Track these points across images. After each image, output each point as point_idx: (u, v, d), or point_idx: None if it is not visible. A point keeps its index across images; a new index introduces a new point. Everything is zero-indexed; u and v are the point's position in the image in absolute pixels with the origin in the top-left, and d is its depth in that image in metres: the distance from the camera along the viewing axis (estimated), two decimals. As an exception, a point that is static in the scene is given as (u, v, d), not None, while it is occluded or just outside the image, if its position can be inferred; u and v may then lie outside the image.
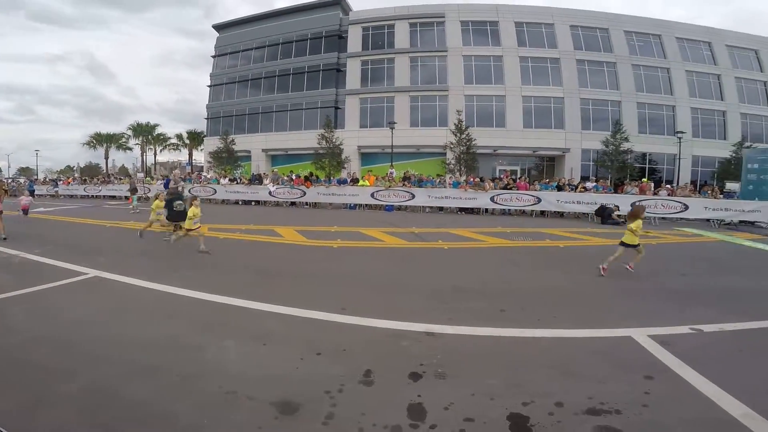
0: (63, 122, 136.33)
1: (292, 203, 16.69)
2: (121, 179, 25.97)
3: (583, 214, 13.59)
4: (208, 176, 23.79)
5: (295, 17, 32.99)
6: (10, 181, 39.78)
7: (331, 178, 18.68)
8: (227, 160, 29.48)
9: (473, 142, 24.07)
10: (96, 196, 22.48)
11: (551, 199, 13.97)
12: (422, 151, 27.61)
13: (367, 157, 29.21)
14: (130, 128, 44.81)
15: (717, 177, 25.26)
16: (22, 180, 38.61)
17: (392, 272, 5.75)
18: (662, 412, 2.27)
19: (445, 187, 15.72)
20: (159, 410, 2.33)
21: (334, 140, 26.20)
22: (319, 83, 31.39)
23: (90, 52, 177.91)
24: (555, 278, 5.56)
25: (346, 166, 26.46)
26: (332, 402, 2.41)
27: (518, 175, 23.79)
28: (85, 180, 28.63)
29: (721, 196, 14.81)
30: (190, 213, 7.06)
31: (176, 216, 9.42)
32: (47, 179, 35.18)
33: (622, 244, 5.61)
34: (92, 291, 4.80)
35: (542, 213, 14.24)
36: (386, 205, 15.09)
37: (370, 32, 30.36)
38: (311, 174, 20.11)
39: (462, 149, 24.12)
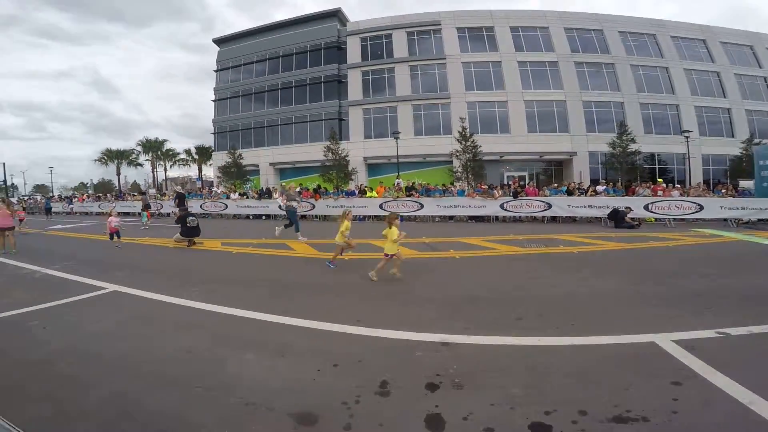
0: (73, 139, 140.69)
1: (302, 216, 16.77)
2: (134, 195, 26.39)
3: (596, 218, 13.44)
4: (218, 191, 24.10)
5: (293, 29, 33.57)
6: (27, 198, 40.80)
7: (339, 190, 18.75)
8: (236, 174, 29.83)
9: (479, 149, 24.06)
10: (109, 213, 22.81)
11: (562, 204, 13.85)
12: (428, 160, 27.65)
13: (374, 168, 29.39)
14: (139, 144, 45.65)
15: (730, 175, 24.87)
16: (38, 197, 39.53)
17: (405, 283, 5.72)
18: (694, 418, 2.22)
19: (453, 195, 15.66)
20: (180, 422, 2.35)
21: (339, 152, 26.39)
22: (321, 95, 31.78)
23: (94, 67, 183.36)
24: (571, 284, 5.47)
25: (353, 177, 26.59)
26: (350, 413, 2.41)
27: (526, 181, 23.70)
28: (98, 197, 29.20)
29: (736, 194, 14.54)
30: (342, 227, 6.67)
31: (190, 232, 9.63)
32: (62, 196, 35.93)
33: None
34: (111, 305, 4.89)
35: (554, 219, 14.11)
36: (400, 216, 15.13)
37: (369, 42, 30.75)
38: (319, 187, 20.24)
39: (468, 156, 24.10)
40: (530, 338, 3.51)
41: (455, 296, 4.97)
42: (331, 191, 19.42)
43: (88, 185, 60.21)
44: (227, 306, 4.60)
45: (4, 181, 43.69)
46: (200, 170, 47.36)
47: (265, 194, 19.42)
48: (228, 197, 20.44)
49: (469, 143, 24.08)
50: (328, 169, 26.34)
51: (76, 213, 25.46)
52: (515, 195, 14.62)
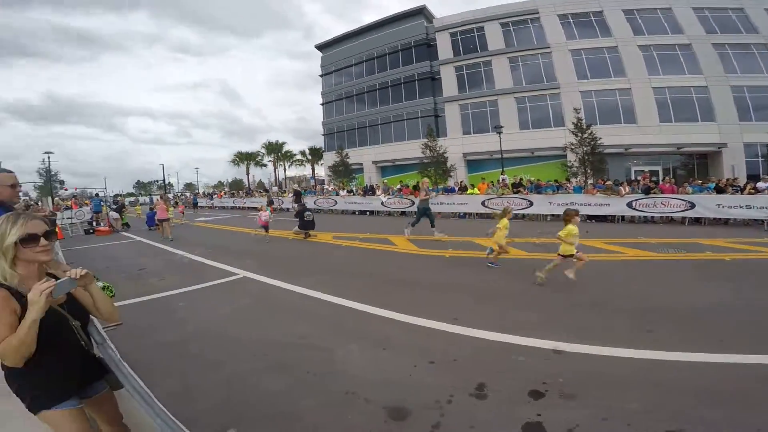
0: (212, 143, 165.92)
1: (402, 213, 17.19)
2: (260, 192, 30.35)
3: (756, 220, 10.88)
4: (329, 188, 26.20)
5: (383, 30, 34.27)
6: (179, 194, 50.08)
7: (437, 186, 18.60)
8: (343, 173, 31.88)
9: (599, 141, 21.46)
10: (241, 207, 26.66)
11: (709, 204, 11.52)
12: (537, 154, 25.72)
13: (474, 164, 28.50)
14: (263, 146, 52.32)
15: None
16: (187, 194, 48.25)
17: (510, 284, 5.46)
18: None
19: (568, 192, 14.20)
20: (286, 406, 2.59)
21: (437, 149, 26.24)
22: (416, 93, 31.94)
23: (223, 78, 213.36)
24: (720, 296, 4.61)
25: (452, 174, 26.21)
26: (441, 412, 2.41)
27: (660, 177, 20.34)
28: (233, 194, 34.34)
29: None
30: (501, 224, 6.38)
31: (307, 225, 10.67)
32: (205, 193, 43.15)
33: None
34: (242, 290, 5.66)
35: (697, 221, 11.85)
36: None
37: (459, 37, 29.82)
38: (418, 183, 20.40)
39: (586, 150, 21.68)
40: (660, 352, 3.09)
41: (571, 301, 4.58)
42: (430, 188, 19.44)
43: (224, 183, 71.04)
44: (336, 296, 4.98)
45: (163, 180, 54.28)
46: (313, 169, 52.15)
47: (369, 191, 20.41)
48: (337, 194, 22.02)
49: (586, 135, 21.64)
50: (426, 166, 26.40)
51: (215, 207, 30.28)
52: (647, 192, 12.64)
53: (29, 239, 1.41)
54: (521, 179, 17.39)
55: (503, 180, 16.80)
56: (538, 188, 15.00)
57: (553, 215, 13.78)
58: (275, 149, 51.71)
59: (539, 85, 26.52)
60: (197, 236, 12.36)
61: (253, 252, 8.88)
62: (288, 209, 21.72)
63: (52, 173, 41.59)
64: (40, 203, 21.60)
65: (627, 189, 13.09)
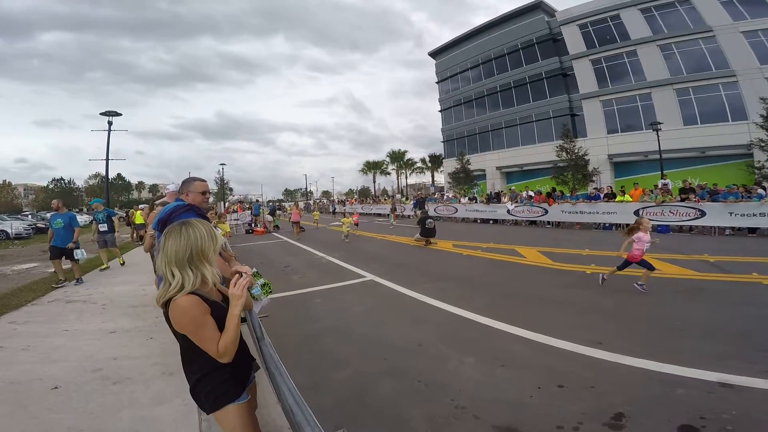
0: (343, 153, 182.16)
1: (532, 222, 15.82)
2: (385, 199, 32.16)
3: None
4: (450, 195, 26.06)
5: (498, 30, 32.59)
6: (318, 201, 56.63)
7: (576, 193, 16.45)
8: (464, 179, 31.31)
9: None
10: (368, 213, 28.58)
11: None
12: (709, 154, 20.92)
13: (622, 166, 24.79)
14: (388, 155, 55.40)
15: None
16: (325, 200, 54.17)
17: (672, 307, 4.54)
18: None
19: (758, 200, 10.90)
20: (397, 412, 2.57)
21: (575, 150, 23.61)
22: (546, 92, 29.54)
23: (350, 92, 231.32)
24: None
25: (594, 179, 23.12)
26: None
27: None
28: (362, 200, 37.22)
29: None
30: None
31: (428, 233, 10.75)
32: (339, 200, 47.82)
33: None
34: (369, 292, 5.98)
35: None
36: (659, 226, 11.91)
37: (590, 28, 26.42)
38: (554, 190, 18.54)
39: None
40: None
41: (752, 330, 3.67)
42: (567, 194, 17.38)
43: (354, 191, 77.56)
44: (455, 306, 4.85)
45: (306, 188, 62.06)
46: (433, 176, 52.90)
47: (494, 198, 19.44)
48: (458, 201, 21.66)
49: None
50: (562, 170, 23.92)
51: (347, 213, 33.21)
52: None
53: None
54: (690, 183, 14.16)
55: (665, 185, 13.92)
56: (713, 195, 11.96)
57: (734, 228, 10.83)
58: (398, 158, 54.18)
59: (707, 74, 21.68)
60: (332, 239, 13.62)
61: (378, 256, 9.36)
62: (409, 216, 22.34)
63: (225, 182, 51.71)
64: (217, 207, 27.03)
65: None
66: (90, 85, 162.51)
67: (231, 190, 58.78)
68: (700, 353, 3.20)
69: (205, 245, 1.43)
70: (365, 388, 2.94)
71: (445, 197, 25.36)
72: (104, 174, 22.36)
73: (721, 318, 4.08)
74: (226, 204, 33.60)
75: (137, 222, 11.25)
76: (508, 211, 16.62)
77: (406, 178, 56.46)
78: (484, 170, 32.72)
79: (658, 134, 18.87)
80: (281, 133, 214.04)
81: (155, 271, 4.06)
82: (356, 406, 2.70)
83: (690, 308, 4.49)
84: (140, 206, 12.24)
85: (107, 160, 20.50)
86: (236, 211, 21.78)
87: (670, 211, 11.83)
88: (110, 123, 19.81)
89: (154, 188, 79.21)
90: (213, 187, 53.56)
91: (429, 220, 10.94)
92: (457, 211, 20.13)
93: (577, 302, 4.95)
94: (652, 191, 13.50)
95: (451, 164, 34.44)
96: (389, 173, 56.62)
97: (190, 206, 2.52)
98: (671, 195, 12.73)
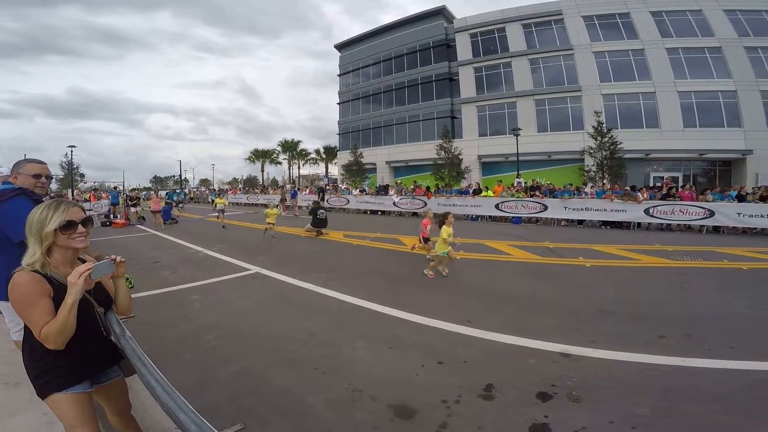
0: (228, 140, 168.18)
1: (414, 213, 17.15)
2: (274, 189, 30.71)
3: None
4: (342, 187, 26.31)
5: (402, 30, 34.26)
6: (195, 190, 51.07)
7: (449, 188, 18.46)
8: (357, 172, 31.99)
9: (619, 146, 21.04)
10: (255, 204, 26.98)
11: (729, 213, 11.19)
12: (554, 158, 25.35)
13: (489, 166, 28.25)
14: (279, 145, 52.89)
15: None
16: (203, 189, 49.09)
17: (522, 287, 5.41)
18: None
19: (583, 196, 13.92)
20: (293, 402, 2.60)
21: (452, 150, 26.07)
22: (433, 94, 31.82)
23: (241, 77, 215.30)
24: (735, 304, 4.54)
25: (466, 176, 26.04)
26: (448, 412, 2.40)
27: (680, 183, 19.84)
28: (247, 190, 34.78)
29: None
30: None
31: (319, 223, 10.75)
32: (221, 189, 43.84)
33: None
34: (255, 285, 5.71)
35: (716, 229, 11.53)
36: (513, 218, 14.25)
37: (479, 38, 29.54)
38: (438, 186, 20.34)
39: (604, 154, 21.28)
40: (671, 358, 3.09)
41: (582, 306, 4.53)
42: (443, 189, 19.36)
43: (239, 180, 72.08)
44: (345, 294, 5.02)
45: (180, 175, 55.40)
46: (327, 168, 52.43)
47: (382, 191, 20.43)
48: (350, 193, 22.11)
49: (606, 139, 21.25)
50: (440, 168, 26.28)
51: (229, 204, 30.74)
52: (665, 199, 12.36)
53: (68, 225, 1.43)
54: (537, 182, 17.16)
55: (519, 183, 16.61)
56: (553, 192, 14.78)
57: (567, 220, 13.58)
58: (290, 147, 52.24)
59: (560, 87, 26.12)
60: (211, 232, 12.55)
61: (264, 248, 8.97)
62: (301, 207, 21.90)
63: (74, 166, 42.83)
64: (62, 195, 22.29)
65: (646, 195, 12.77)
66: None
67: (82, 176, 48.87)
68: (544, 327, 3.80)
69: (47, 222, 1.40)
70: (259, 381, 2.87)
71: (338, 188, 25.56)
72: None
73: (557, 296, 4.98)
74: (74, 192, 27.98)
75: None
76: (394, 203, 17.71)
77: (299, 168, 54.91)
78: (375, 164, 33.88)
79: (517, 139, 21.84)
80: (152, 114, 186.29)
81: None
82: (252, 400, 2.61)
83: (535, 287, 5.37)
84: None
85: None
86: (88, 200, 18.30)
87: (522, 205, 14.19)
88: None
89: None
90: (58, 172, 44.00)
91: (320, 211, 10.92)
92: (348, 202, 20.57)
93: (449, 285, 5.59)
94: (509, 188, 16.00)
95: (345, 156, 34.73)
96: (280, 163, 54.18)
97: (21, 190, 2.22)
98: (524, 192, 15.27)
